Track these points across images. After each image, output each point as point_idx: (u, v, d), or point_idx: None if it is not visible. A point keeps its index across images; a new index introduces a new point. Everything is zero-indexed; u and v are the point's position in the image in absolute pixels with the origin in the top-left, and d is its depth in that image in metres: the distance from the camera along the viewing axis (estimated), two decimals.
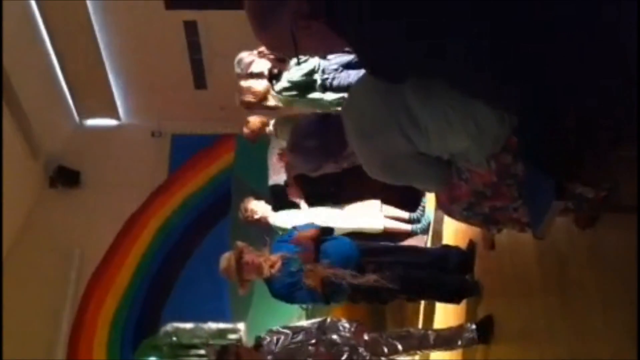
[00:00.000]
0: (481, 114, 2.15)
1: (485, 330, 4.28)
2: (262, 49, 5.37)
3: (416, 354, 4.62)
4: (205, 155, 9.20)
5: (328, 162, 2.57)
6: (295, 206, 5.90)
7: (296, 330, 4.39)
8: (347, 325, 4.39)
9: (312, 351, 4.24)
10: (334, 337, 4.33)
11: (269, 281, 4.48)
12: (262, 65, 5.29)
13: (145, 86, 8.87)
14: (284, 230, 5.68)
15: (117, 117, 9.22)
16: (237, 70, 5.35)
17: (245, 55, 5.31)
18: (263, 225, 5.75)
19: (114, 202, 8.69)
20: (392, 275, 4.40)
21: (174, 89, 8.80)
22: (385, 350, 4.34)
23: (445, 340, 4.42)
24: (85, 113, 9.13)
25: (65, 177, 8.78)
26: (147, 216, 8.80)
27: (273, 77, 5.34)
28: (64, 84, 8.59)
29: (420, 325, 5.49)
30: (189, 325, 7.85)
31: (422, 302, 5.55)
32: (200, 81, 8.80)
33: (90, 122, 9.25)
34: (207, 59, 8.57)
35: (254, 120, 5.88)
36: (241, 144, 8.35)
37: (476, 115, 2.16)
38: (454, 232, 5.23)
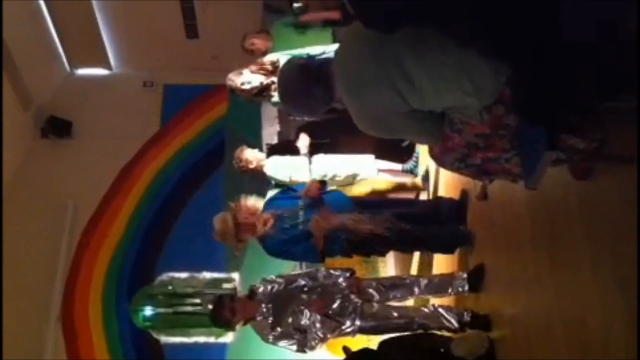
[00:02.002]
0: (476, 69, 2.14)
1: (476, 279, 4.33)
2: (251, 66, 5.33)
3: (407, 299, 4.68)
4: (198, 105, 9.13)
5: (318, 105, 2.54)
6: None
7: (289, 279, 4.45)
8: (339, 273, 4.44)
9: (305, 299, 4.30)
10: (327, 284, 4.38)
11: (263, 239, 4.50)
12: (253, 77, 5.25)
13: (136, 35, 8.74)
14: (278, 180, 5.69)
15: (109, 67, 9.11)
16: (229, 83, 5.32)
17: (233, 74, 5.27)
18: (258, 174, 5.74)
19: (107, 152, 8.63)
20: (387, 229, 4.42)
21: (165, 38, 8.68)
22: (377, 296, 4.40)
23: (436, 287, 4.48)
24: (76, 62, 9.02)
25: (56, 128, 8.68)
26: (140, 167, 8.76)
27: (263, 90, 5.30)
28: (54, 32, 8.46)
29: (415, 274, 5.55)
30: (184, 275, 7.92)
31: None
32: (191, 30, 8.67)
33: (81, 71, 9.14)
34: (198, 8, 8.44)
35: None
36: (234, 95, 8.27)
37: (472, 71, 2.15)
38: (447, 183, 5.24)
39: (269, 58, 5.36)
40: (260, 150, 6.01)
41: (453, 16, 1.90)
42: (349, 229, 4.35)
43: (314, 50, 5.19)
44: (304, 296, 4.32)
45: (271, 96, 5.36)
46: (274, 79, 5.23)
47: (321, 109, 2.57)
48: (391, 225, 4.40)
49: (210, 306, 4.35)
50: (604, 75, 1.96)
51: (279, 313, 4.28)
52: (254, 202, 4.57)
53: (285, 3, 5.76)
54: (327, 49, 5.08)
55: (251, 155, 5.73)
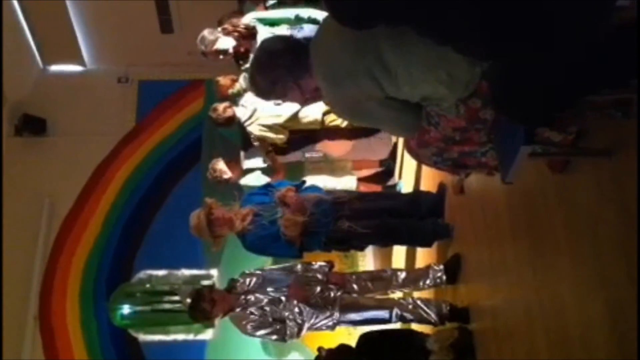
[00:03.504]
0: (453, 60, 2.13)
1: (452, 269, 4.37)
2: (227, 25, 5.24)
3: (386, 293, 4.69)
4: (174, 101, 9.05)
5: (290, 84, 2.43)
6: None
7: (269, 272, 4.48)
8: (317, 266, 4.48)
9: (285, 290, 4.31)
10: (306, 276, 4.40)
11: (242, 235, 4.48)
12: (227, 42, 5.17)
13: (110, 31, 8.65)
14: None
15: (82, 63, 9.00)
16: (201, 47, 5.22)
17: (207, 33, 5.18)
18: (233, 184, 5.72)
19: (82, 149, 8.56)
20: (365, 223, 4.43)
21: (139, 33, 8.60)
22: (356, 288, 4.42)
23: (414, 279, 4.52)
24: (49, 59, 8.90)
25: (31, 125, 8.58)
26: (116, 164, 8.68)
27: (239, 55, 5.22)
28: (27, 29, 8.35)
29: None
30: (162, 272, 7.88)
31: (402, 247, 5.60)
32: (166, 25, 8.60)
33: (55, 68, 9.02)
34: (172, 3, 8.37)
35: (224, 79, 5.85)
36: (210, 90, 8.22)
37: (448, 62, 2.14)
38: (424, 176, 5.25)
39: (245, 21, 5.29)
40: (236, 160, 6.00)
41: (427, 17, 1.89)
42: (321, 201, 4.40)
43: (293, 12, 5.16)
44: (283, 287, 4.33)
45: (241, 64, 5.32)
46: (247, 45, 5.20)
47: (286, 87, 2.46)
48: (370, 221, 4.43)
49: (188, 300, 4.32)
50: (584, 70, 1.96)
51: (258, 304, 4.27)
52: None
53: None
54: (303, 13, 5.05)
55: (226, 166, 5.70)
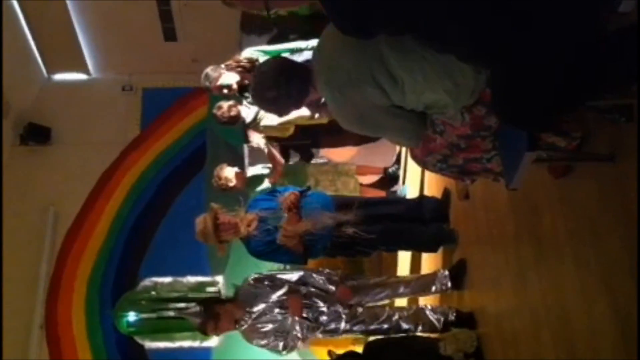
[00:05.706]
0: (458, 68, 2.14)
1: (457, 275, 4.36)
2: (229, 62, 5.26)
3: (392, 299, 4.68)
4: (178, 108, 9.07)
5: (287, 103, 2.43)
6: None
7: (275, 280, 4.42)
8: (324, 278, 4.38)
9: (287, 299, 4.28)
10: (311, 291, 4.35)
11: (247, 240, 4.47)
12: (231, 78, 5.19)
13: (114, 39, 8.69)
14: (259, 179, 5.70)
15: (87, 72, 9.04)
16: (205, 83, 5.25)
17: (211, 70, 5.21)
18: (238, 191, 5.72)
19: (87, 158, 8.59)
20: (370, 228, 4.42)
21: (143, 41, 8.63)
22: (364, 297, 4.40)
23: (420, 286, 4.50)
24: (53, 68, 8.94)
25: (36, 134, 8.62)
26: (121, 172, 8.71)
27: (243, 89, 5.24)
28: (31, 38, 8.39)
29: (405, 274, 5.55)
30: (167, 280, 7.90)
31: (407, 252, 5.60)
32: (169, 33, 8.64)
33: (59, 77, 9.06)
34: (176, 10, 8.40)
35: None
36: (214, 97, 8.24)
37: (453, 70, 2.15)
38: (429, 182, 5.26)
39: (246, 55, 5.31)
40: (240, 166, 6.00)
41: (429, 27, 1.91)
42: (324, 226, 4.35)
43: (294, 45, 5.17)
44: (287, 297, 4.31)
45: (246, 97, 5.33)
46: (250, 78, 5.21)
47: (288, 109, 2.49)
48: (375, 226, 4.42)
49: (198, 320, 4.28)
50: (585, 75, 1.97)
51: (263, 314, 4.25)
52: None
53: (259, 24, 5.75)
54: (304, 45, 5.08)
55: (231, 173, 5.70)
